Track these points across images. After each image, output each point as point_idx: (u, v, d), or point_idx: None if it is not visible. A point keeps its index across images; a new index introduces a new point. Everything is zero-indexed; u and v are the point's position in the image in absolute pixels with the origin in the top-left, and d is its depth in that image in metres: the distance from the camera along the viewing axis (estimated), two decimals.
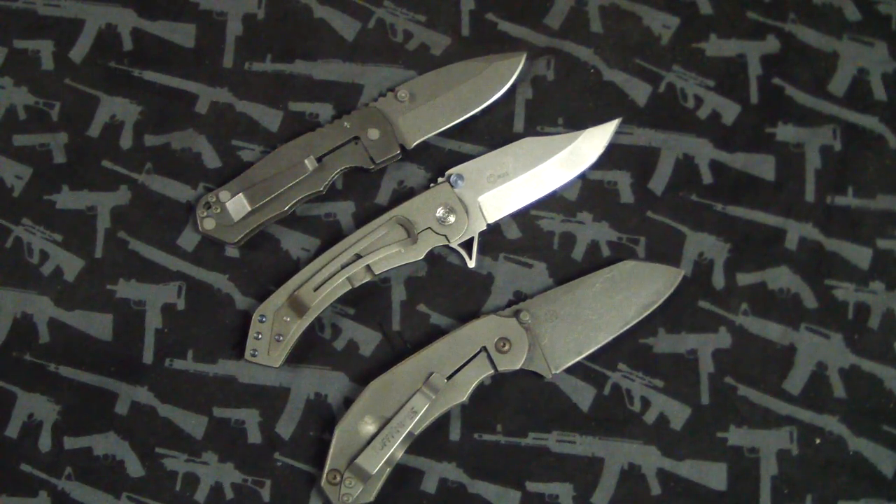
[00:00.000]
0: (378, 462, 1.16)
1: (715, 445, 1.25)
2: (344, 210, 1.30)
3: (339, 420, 1.20)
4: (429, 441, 1.23)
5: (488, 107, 1.32)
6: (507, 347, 1.21)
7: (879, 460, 1.25)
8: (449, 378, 1.20)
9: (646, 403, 1.26)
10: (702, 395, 1.26)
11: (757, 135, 1.34)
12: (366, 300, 1.27)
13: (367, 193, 1.31)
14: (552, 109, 1.34)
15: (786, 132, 1.34)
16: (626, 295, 1.25)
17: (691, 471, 1.24)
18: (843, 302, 1.29)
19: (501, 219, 1.29)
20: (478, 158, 1.29)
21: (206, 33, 1.35)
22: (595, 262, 1.29)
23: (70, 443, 1.23)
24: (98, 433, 1.23)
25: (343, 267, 1.23)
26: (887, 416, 1.26)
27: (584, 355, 1.24)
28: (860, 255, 1.30)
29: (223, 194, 1.25)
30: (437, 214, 1.26)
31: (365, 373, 1.24)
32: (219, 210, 1.25)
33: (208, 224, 1.25)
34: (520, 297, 1.28)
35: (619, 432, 1.25)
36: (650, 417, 1.25)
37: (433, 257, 1.28)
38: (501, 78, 1.32)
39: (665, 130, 1.34)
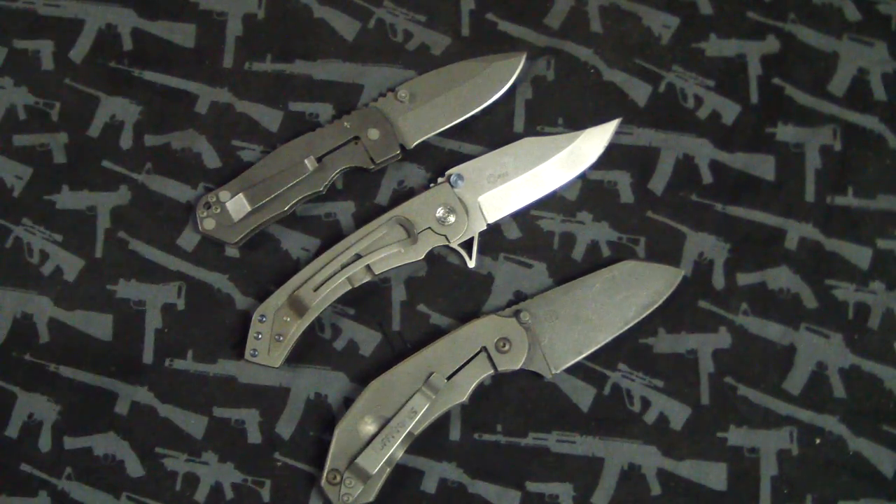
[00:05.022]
0: (378, 462, 1.16)
1: (715, 445, 1.25)
2: (344, 210, 1.30)
3: (339, 420, 1.20)
4: (429, 441, 1.23)
5: (488, 107, 1.32)
6: (507, 347, 1.21)
7: (879, 460, 1.25)
8: (449, 378, 1.20)
9: (646, 403, 1.26)
10: (702, 395, 1.26)
11: (757, 135, 1.34)
12: (366, 300, 1.27)
13: (367, 193, 1.31)
14: (552, 109, 1.34)
15: (786, 132, 1.34)
16: (626, 295, 1.25)
17: (691, 471, 1.24)
18: (843, 302, 1.29)
19: (501, 219, 1.29)
20: (478, 158, 1.29)
21: (206, 33, 1.35)
22: (595, 262, 1.29)
23: (70, 443, 1.23)
24: (98, 433, 1.23)
25: (343, 267, 1.23)
26: (887, 416, 1.26)
27: (584, 355, 1.24)
28: (860, 255, 1.30)
29: (223, 194, 1.25)
30: (437, 214, 1.26)
31: (365, 373, 1.24)
32: (219, 210, 1.25)
33: (208, 224, 1.25)
34: (520, 297, 1.28)
35: (619, 432, 1.25)
36: (650, 417, 1.25)
37: (433, 257, 1.28)
38: (501, 78, 1.32)
39: (665, 130, 1.34)
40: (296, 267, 1.27)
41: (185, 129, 1.32)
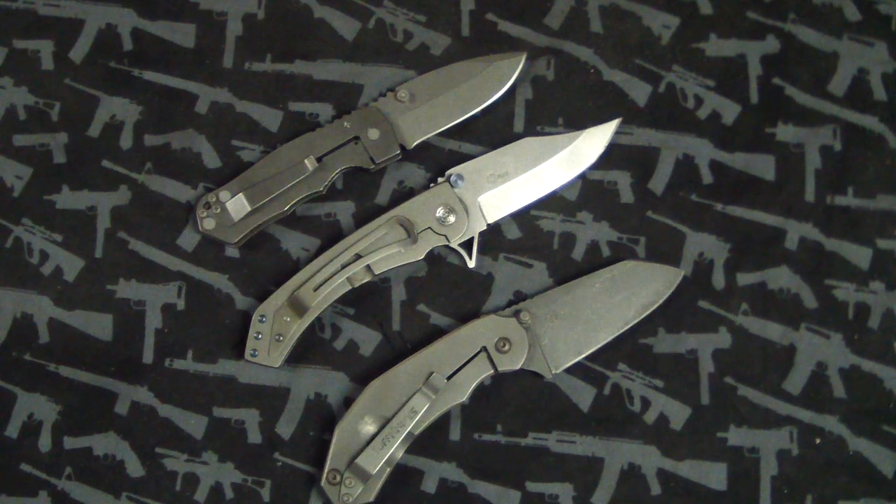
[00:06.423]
0: (378, 462, 1.16)
1: (715, 445, 1.25)
2: (344, 210, 1.30)
3: (339, 420, 1.20)
4: (429, 441, 1.23)
5: (488, 107, 1.32)
6: (507, 347, 1.21)
7: (879, 460, 1.25)
8: (449, 378, 1.20)
9: (646, 403, 1.26)
10: (702, 395, 1.26)
11: (757, 135, 1.34)
12: (366, 300, 1.27)
13: (367, 193, 1.31)
14: (552, 109, 1.34)
15: (786, 132, 1.34)
16: (626, 295, 1.25)
17: (691, 471, 1.24)
18: (843, 302, 1.29)
19: (501, 219, 1.29)
20: (478, 158, 1.29)
21: (206, 33, 1.35)
22: (595, 262, 1.29)
23: (70, 443, 1.23)
24: (98, 433, 1.23)
25: (343, 267, 1.23)
26: (887, 416, 1.26)
27: (584, 355, 1.24)
28: (860, 255, 1.30)
29: (223, 194, 1.25)
30: (437, 214, 1.26)
31: (365, 373, 1.24)
32: (219, 210, 1.25)
33: (208, 224, 1.25)
34: (520, 297, 1.28)
35: (619, 432, 1.25)
36: (650, 417, 1.25)
37: (433, 257, 1.28)
38: (501, 78, 1.32)
39: (665, 130, 1.34)
40: (296, 267, 1.27)
41: (185, 129, 1.32)
